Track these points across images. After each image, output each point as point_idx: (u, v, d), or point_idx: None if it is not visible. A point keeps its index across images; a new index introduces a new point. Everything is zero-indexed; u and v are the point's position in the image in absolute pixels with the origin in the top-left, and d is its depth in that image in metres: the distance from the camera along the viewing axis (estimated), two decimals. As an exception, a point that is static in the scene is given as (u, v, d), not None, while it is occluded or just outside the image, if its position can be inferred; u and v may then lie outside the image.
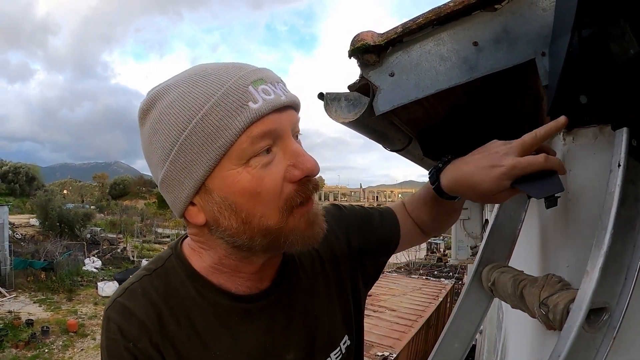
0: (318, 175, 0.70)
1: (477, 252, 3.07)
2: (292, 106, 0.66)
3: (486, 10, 0.73)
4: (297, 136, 0.69)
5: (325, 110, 1.01)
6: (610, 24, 0.52)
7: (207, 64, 0.66)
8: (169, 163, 0.63)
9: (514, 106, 0.83)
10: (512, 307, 0.80)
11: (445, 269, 20.00)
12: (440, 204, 0.91)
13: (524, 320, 1.05)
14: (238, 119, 0.60)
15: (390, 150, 1.42)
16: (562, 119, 0.65)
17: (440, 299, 9.91)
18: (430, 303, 9.51)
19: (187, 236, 0.78)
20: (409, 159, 1.67)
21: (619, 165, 0.56)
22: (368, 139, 1.26)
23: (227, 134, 0.60)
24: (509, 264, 0.96)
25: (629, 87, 0.60)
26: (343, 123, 1.01)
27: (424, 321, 8.08)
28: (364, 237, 0.92)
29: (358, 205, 1.02)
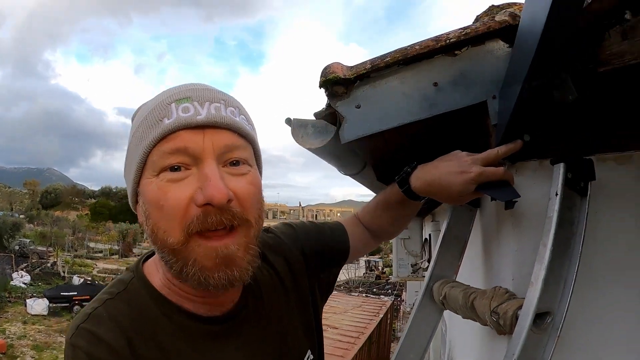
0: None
1: (417, 269, 3.25)
2: (223, 127, 0.65)
3: (447, 55, 0.84)
4: (234, 162, 0.66)
5: (292, 135, 1.07)
6: (555, 76, 0.64)
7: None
8: (124, 167, 0.72)
9: (465, 141, 0.94)
10: (463, 318, 0.89)
11: (387, 286, 20.54)
12: (405, 207, 1.01)
13: (469, 330, 1.16)
14: (152, 133, 0.64)
15: (344, 174, 1.50)
16: (518, 142, 0.77)
17: (381, 316, 10.16)
18: (371, 320, 9.72)
19: (147, 258, 0.78)
20: (359, 181, 1.77)
21: (557, 194, 0.68)
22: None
23: (143, 145, 0.65)
24: (457, 279, 1.07)
25: (566, 128, 0.74)
26: (309, 149, 1.07)
27: (366, 338, 8.21)
28: (317, 251, 0.95)
29: (308, 221, 1.06)
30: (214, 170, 0.63)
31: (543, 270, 0.64)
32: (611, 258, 0.73)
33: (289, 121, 1.08)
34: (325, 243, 0.97)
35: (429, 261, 3.43)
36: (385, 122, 0.90)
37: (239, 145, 0.67)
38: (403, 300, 16.15)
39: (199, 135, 0.63)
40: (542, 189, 0.77)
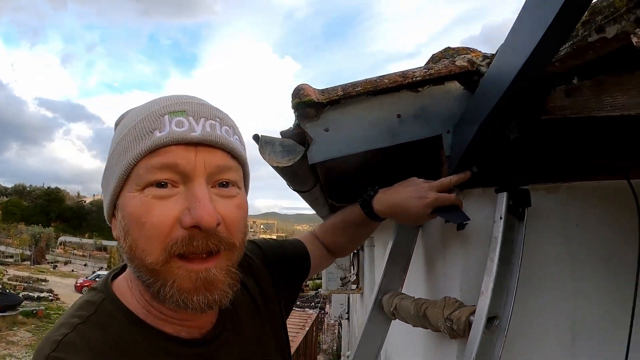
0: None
1: (346, 282, 3.37)
2: (217, 147, 0.63)
3: (411, 90, 0.96)
4: (224, 183, 0.64)
5: (260, 152, 1.10)
6: (506, 119, 0.78)
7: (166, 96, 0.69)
8: (103, 175, 0.69)
9: (420, 168, 1.06)
10: (414, 326, 0.99)
11: (317, 299, 20.57)
12: (365, 227, 1.10)
13: (411, 336, 1.27)
14: (140, 144, 0.61)
15: (293, 189, 1.56)
16: (468, 173, 0.90)
17: (307, 329, 10.16)
18: (297, 333, 9.71)
19: (115, 276, 0.74)
20: (304, 197, 1.84)
21: (501, 218, 0.81)
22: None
23: (129, 156, 0.61)
24: (402, 291, 1.18)
25: (507, 162, 0.88)
26: (275, 167, 1.11)
27: (294, 351, 8.14)
28: (282, 268, 0.98)
29: (271, 238, 1.10)
30: (204, 191, 0.60)
31: (491, 282, 0.76)
32: (543, 269, 0.88)
33: (256, 137, 1.11)
34: (288, 260, 1.01)
35: (357, 275, 3.61)
36: (351, 147, 0.97)
37: (230, 166, 0.65)
38: (327, 313, 16.39)
39: (191, 152, 0.61)
40: (485, 212, 0.91)
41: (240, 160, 0.67)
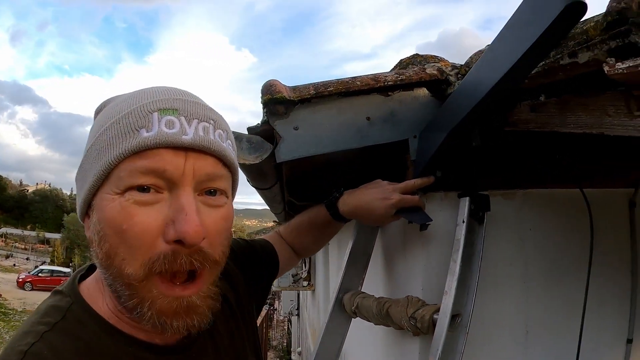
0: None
1: (297, 279, 3.39)
2: (209, 153, 0.59)
3: (381, 94, 0.99)
4: (211, 191, 0.61)
5: None
6: (471, 129, 0.83)
7: (151, 87, 0.63)
8: (79, 169, 0.63)
9: (385, 171, 1.10)
10: (376, 324, 1.03)
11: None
12: (330, 227, 1.12)
13: (369, 337, 1.31)
14: (124, 143, 0.55)
15: (254, 186, 1.55)
16: (431, 177, 0.94)
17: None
18: None
19: (82, 277, 0.69)
20: (261, 195, 1.82)
21: (463, 222, 0.86)
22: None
23: (110, 155, 0.56)
24: (362, 289, 1.21)
25: (469, 168, 0.93)
26: (241, 164, 1.10)
27: None
28: (253, 269, 0.98)
29: (240, 238, 1.09)
30: (190, 201, 0.56)
31: (455, 281, 0.81)
32: (499, 270, 0.95)
33: None
34: (258, 260, 1.01)
35: (308, 272, 3.64)
36: (320, 147, 0.98)
37: (221, 175, 0.61)
38: (276, 309, 16.32)
39: (180, 157, 0.56)
40: (446, 215, 0.96)
41: (231, 168, 0.64)
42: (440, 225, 0.96)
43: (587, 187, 0.86)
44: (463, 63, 0.92)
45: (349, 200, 1.03)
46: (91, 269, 0.70)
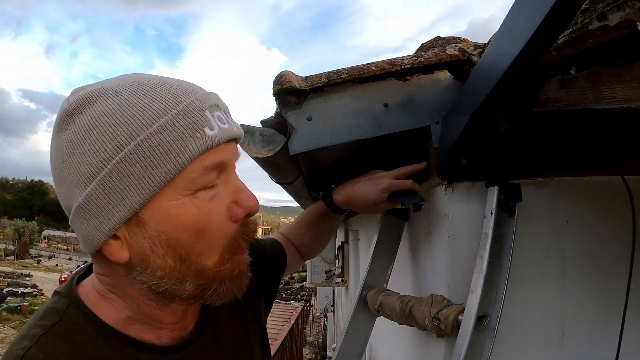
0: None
1: (330, 275, 3.38)
2: (238, 139, 0.64)
3: (399, 79, 0.93)
4: None
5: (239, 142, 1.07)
6: (497, 111, 0.76)
7: (148, 75, 0.59)
8: (97, 184, 0.53)
9: (406, 161, 1.04)
10: (399, 324, 0.98)
11: (302, 292, 20.80)
12: (327, 220, 1.13)
13: (397, 334, 1.27)
14: (193, 143, 0.54)
15: (276, 182, 1.53)
16: (423, 163, 0.96)
17: (292, 321, 10.27)
18: (283, 326, 9.80)
19: (80, 279, 0.68)
20: (287, 190, 1.81)
21: (492, 213, 0.80)
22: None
23: (179, 158, 0.53)
24: (387, 287, 1.17)
25: (497, 155, 0.87)
26: (255, 158, 1.08)
27: (279, 344, 8.19)
28: (261, 268, 0.96)
29: None
30: (240, 181, 0.63)
31: (481, 279, 0.75)
32: (532, 265, 0.87)
33: None
34: (268, 260, 1.01)
35: (342, 268, 3.61)
36: (335, 137, 0.94)
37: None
38: (312, 305, 16.57)
39: (232, 147, 0.62)
40: (474, 206, 0.90)
41: None
42: (468, 218, 0.90)
43: (629, 174, 0.77)
44: (487, 42, 0.85)
45: (343, 190, 1.05)
46: (90, 269, 0.69)
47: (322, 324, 15.98)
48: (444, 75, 0.91)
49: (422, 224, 1.09)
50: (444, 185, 0.94)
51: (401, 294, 1.02)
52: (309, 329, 16.12)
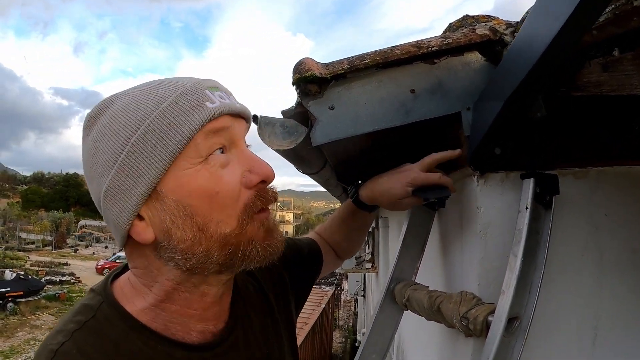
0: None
1: (360, 261, 3.38)
2: (245, 118, 0.69)
3: (426, 62, 0.89)
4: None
5: (259, 134, 1.06)
6: (533, 96, 0.71)
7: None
8: (117, 168, 0.59)
9: (436, 150, 1.00)
10: (427, 319, 0.96)
11: (333, 277, 21.16)
12: (356, 218, 1.10)
13: (424, 329, 1.25)
14: (196, 116, 0.60)
15: (303, 172, 1.52)
16: (457, 151, 0.89)
17: (323, 306, 10.48)
18: (313, 310, 10.00)
19: (115, 277, 0.72)
20: (315, 180, 1.80)
21: (527, 208, 0.76)
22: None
23: (184, 129, 0.59)
24: (415, 280, 1.14)
25: (533, 143, 0.82)
26: (277, 150, 1.07)
27: (310, 328, 8.36)
28: (296, 268, 0.99)
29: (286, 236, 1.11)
30: (252, 152, 0.68)
31: (514, 279, 0.71)
32: (567, 262, 0.83)
33: (255, 119, 1.07)
34: (303, 259, 1.02)
35: (372, 254, 3.60)
36: (359, 126, 0.91)
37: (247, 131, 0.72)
38: (343, 290, 16.80)
39: (235, 121, 0.66)
40: (508, 199, 0.85)
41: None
42: (501, 211, 0.86)
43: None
44: (519, 20, 0.79)
45: (369, 184, 1.03)
46: (126, 268, 0.73)
47: (352, 308, 16.14)
48: (475, 56, 0.86)
49: (453, 216, 1.06)
50: (475, 176, 0.90)
51: (430, 289, 0.99)
52: (339, 312, 16.37)
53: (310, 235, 1.16)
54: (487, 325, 0.74)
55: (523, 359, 0.69)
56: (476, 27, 0.85)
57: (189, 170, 0.60)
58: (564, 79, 0.69)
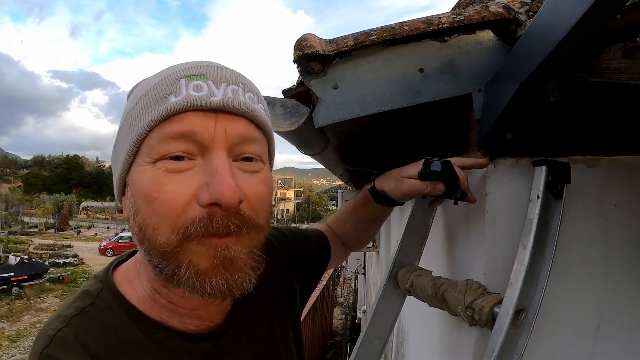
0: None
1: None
2: (240, 114, 0.60)
3: (436, 40, 0.87)
4: (247, 157, 0.61)
5: None
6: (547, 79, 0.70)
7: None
8: (115, 149, 0.66)
9: (443, 131, 1.00)
10: (430, 306, 0.97)
11: None
12: (369, 208, 1.07)
13: (426, 315, 1.26)
14: (153, 111, 0.57)
15: (305, 154, 1.51)
16: (484, 161, 0.86)
17: (324, 284, 10.67)
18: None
19: (118, 264, 0.73)
20: (317, 160, 1.78)
21: (538, 197, 0.75)
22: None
23: (139, 125, 0.58)
24: (419, 264, 1.15)
25: (545, 129, 0.81)
26: (276, 132, 1.05)
27: (311, 305, 8.53)
28: (304, 260, 0.99)
29: (293, 227, 1.11)
30: (224, 163, 0.57)
31: (523, 271, 0.72)
32: (574, 253, 0.83)
33: None
34: (311, 251, 1.01)
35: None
36: (364, 107, 0.88)
37: (255, 137, 0.62)
38: (344, 267, 17.06)
39: (210, 120, 0.57)
40: (517, 186, 0.85)
41: (265, 132, 0.65)
42: (510, 198, 0.86)
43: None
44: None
45: (387, 174, 0.99)
46: (131, 255, 0.74)
47: (352, 285, 16.41)
48: (487, 35, 0.84)
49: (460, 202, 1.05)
50: (487, 160, 0.89)
51: (434, 275, 1.00)
52: (339, 289, 16.66)
53: (320, 226, 1.15)
54: (493, 316, 0.75)
55: (526, 351, 0.70)
56: (489, 4, 0.82)
57: (140, 167, 0.59)
58: (580, 64, 0.67)
